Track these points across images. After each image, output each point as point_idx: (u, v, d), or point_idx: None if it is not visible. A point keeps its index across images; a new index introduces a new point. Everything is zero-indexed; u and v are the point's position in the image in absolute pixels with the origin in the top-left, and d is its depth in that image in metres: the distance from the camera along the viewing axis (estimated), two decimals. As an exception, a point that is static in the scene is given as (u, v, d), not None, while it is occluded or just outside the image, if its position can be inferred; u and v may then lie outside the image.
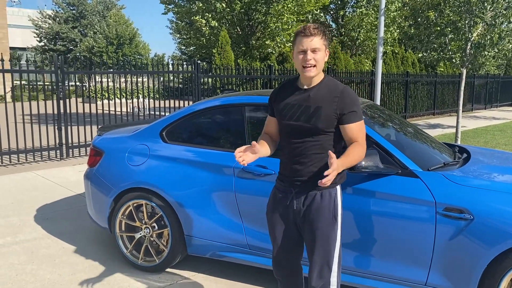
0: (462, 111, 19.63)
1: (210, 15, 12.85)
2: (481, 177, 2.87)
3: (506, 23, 8.45)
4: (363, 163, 2.77)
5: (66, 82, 8.30)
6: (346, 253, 2.97)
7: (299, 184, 2.29)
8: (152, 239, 3.60)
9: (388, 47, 17.17)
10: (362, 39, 18.13)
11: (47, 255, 3.92)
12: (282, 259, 2.44)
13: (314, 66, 2.15)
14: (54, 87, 8.07)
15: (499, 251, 2.55)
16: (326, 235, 2.25)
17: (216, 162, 3.34)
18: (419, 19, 8.48)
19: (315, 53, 2.14)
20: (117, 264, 3.73)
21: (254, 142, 2.14)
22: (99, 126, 4.59)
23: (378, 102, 8.21)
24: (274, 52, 13.68)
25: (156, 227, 3.57)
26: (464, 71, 8.71)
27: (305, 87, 2.25)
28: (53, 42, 38.60)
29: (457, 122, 8.90)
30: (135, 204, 3.62)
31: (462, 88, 8.80)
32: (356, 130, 2.25)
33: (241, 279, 3.46)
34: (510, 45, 8.70)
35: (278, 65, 13.20)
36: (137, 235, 3.64)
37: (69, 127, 8.33)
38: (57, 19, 39.14)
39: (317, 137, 2.22)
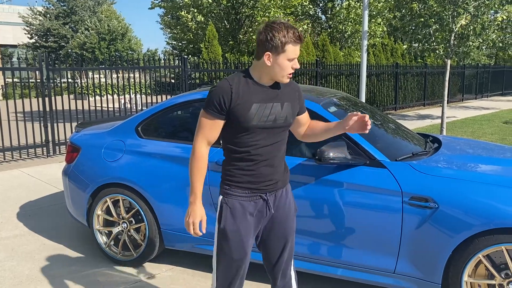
0: (453, 102, 19.77)
1: (196, 10, 12.82)
2: (447, 167, 2.92)
3: (489, 14, 8.49)
4: (331, 154, 2.82)
5: (57, 79, 8.28)
6: (317, 244, 3.01)
7: (271, 187, 2.15)
8: (129, 233, 3.63)
9: (378, 39, 17.19)
10: (350, 32, 18.13)
11: (27, 251, 3.95)
12: (246, 271, 2.24)
13: None
14: (40, 84, 8.05)
15: (463, 238, 2.61)
16: (293, 230, 2.28)
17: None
18: (403, 11, 8.51)
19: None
20: (96, 259, 3.77)
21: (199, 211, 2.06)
22: (78, 123, 4.60)
23: (363, 94, 8.24)
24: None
25: (134, 222, 3.61)
26: (449, 62, 8.75)
27: (267, 84, 2.09)
28: (44, 39, 38.33)
29: (443, 112, 8.97)
30: (112, 199, 3.66)
31: (447, 78, 8.85)
32: (308, 115, 2.37)
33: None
34: (494, 35, 8.76)
35: (267, 58, 13.20)
36: (115, 230, 3.68)
37: (55, 124, 8.32)
38: (48, 15, 38.84)
39: (285, 134, 2.18)
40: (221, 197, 2.14)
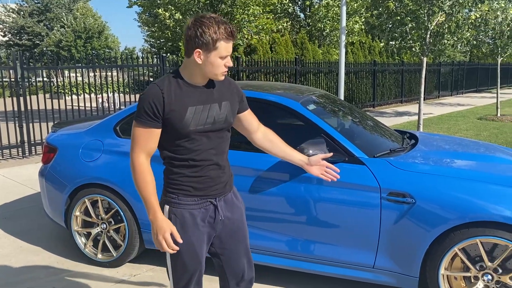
0: (429, 98, 20.13)
1: (173, 8, 12.71)
2: (423, 162, 2.98)
3: (464, 12, 8.67)
4: (310, 151, 2.84)
5: (32, 78, 8.11)
6: (297, 240, 3.04)
7: (220, 191, 2.04)
8: (109, 234, 3.59)
9: (355, 37, 17.37)
10: (329, 29, 18.27)
11: (3, 255, 3.86)
12: (202, 275, 2.15)
13: None
14: (14, 83, 7.87)
15: (439, 232, 2.67)
16: (247, 230, 2.21)
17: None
18: (380, 9, 8.62)
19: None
20: (75, 260, 3.71)
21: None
22: (54, 123, 4.52)
23: (342, 92, 8.31)
24: (241, 43, 13.66)
25: (113, 222, 3.57)
26: (425, 59, 8.92)
27: (201, 84, 1.95)
28: (18, 37, 37.45)
29: (419, 109, 9.13)
30: (90, 200, 3.61)
31: (423, 76, 9.01)
32: (252, 112, 2.23)
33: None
34: (468, 34, 8.95)
35: (246, 56, 13.20)
36: (94, 231, 3.63)
37: (31, 125, 8.15)
38: (22, 12, 37.96)
39: (226, 134, 2.06)
40: (167, 207, 1.98)
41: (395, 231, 2.79)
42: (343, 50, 8.41)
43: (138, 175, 1.90)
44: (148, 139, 1.90)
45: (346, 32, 16.73)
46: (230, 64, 1.92)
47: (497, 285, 2.66)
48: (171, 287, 2.09)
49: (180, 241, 1.93)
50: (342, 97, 8.71)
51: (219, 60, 1.86)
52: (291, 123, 3.37)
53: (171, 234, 1.92)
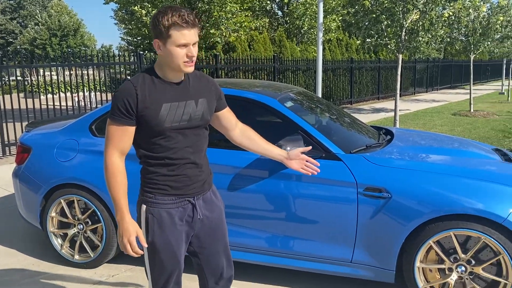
0: (405, 95, 20.46)
1: (150, 5, 12.58)
2: (399, 158, 3.04)
3: (437, 10, 8.84)
4: (288, 148, 2.86)
5: (6, 77, 7.90)
6: (276, 237, 3.05)
7: (199, 189, 2.02)
8: (86, 234, 3.54)
9: (333, 34, 17.52)
10: (307, 27, 18.38)
11: (-23, 258, 3.77)
12: (181, 274, 2.14)
13: (194, 61, 1.88)
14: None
15: (414, 225, 2.73)
16: (226, 228, 2.20)
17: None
18: (356, 7, 8.71)
19: (195, 46, 1.85)
20: (52, 262, 3.65)
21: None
22: (28, 122, 4.42)
23: (319, 89, 8.38)
24: (220, 41, 13.62)
25: (90, 223, 3.52)
26: (401, 56, 9.06)
27: (176, 80, 1.92)
28: (-11, 35, 36.47)
29: (395, 106, 9.27)
30: (66, 201, 3.55)
31: (399, 72, 9.16)
32: (230, 110, 2.21)
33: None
34: (442, 31, 9.13)
35: (224, 54, 13.17)
36: (71, 232, 3.57)
37: (4, 124, 7.96)
38: (-7, 10, 36.96)
39: (204, 132, 2.03)
40: (144, 206, 1.96)
41: (371, 225, 2.83)
42: (321, 47, 8.48)
43: (109, 175, 1.88)
44: (122, 137, 1.87)
45: (324, 29, 16.87)
46: (192, 53, 1.82)
47: (470, 276, 2.73)
48: (150, 287, 2.07)
49: (145, 245, 1.92)
50: (320, 95, 8.78)
51: (176, 49, 1.79)
52: (269, 120, 3.38)
53: (137, 238, 1.90)
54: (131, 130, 1.89)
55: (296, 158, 2.36)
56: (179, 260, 2.02)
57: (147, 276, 2.08)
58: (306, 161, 2.37)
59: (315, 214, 2.94)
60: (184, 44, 1.80)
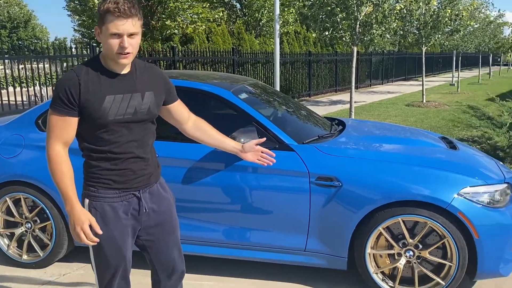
0: (362, 87, 20.94)
1: (103, -5, 12.20)
2: (349, 147, 3.10)
3: (390, 3, 9.06)
4: (242, 140, 2.86)
5: None
6: (231, 229, 3.05)
7: (144, 182, 1.97)
8: (34, 233, 3.41)
9: (290, 27, 17.63)
10: (265, 20, 18.41)
11: None
12: (129, 269, 2.09)
13: (131, 53, 1.79)
14: None
15: (364, 213, 2.80)
16: (176, 221, 2.17)
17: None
18: (311, 0, 8.80)
19: (133, 38, 1.77)
20: (-2, 263, 3.50)
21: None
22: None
23: (277, 82, 8.42)
24: (177, 33, 13.41)
25: (38, 221, 3.39)
26: (355, 49, 9.24)
27: (120, 71, 1.86)
28: None
29: (351, 97, 9.48)
30: (12, 199, 3.40)
31: (354, 65, 9.35)
32: (182, 103, 2.15)
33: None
34: (395, 24, 9.38)
35: (182, 46, 12.98)
36: (18, 231, 3.43)
37: None
38: None
39: (150, 126, 1.98)
40: (87, 200, 1.90)
41: (324, 214, 2.88)
42: (278, 40, 8.52)
43: (54, 166, 1.81)
44: (64, 127, 1.80)
45: (281, 22, 16.96)
46: (125, 44, 1.74)
47: (418, 260, 2.84)
48: (96, 284, 2.02)
49: (100, 232, 1.86)
50: (278, 87, 8.83)
51: (109, 38, 1.73)
52: (225, 113, 3.36)
53: (90, 226, 1.84)
54: (73, 121, 1.81)
55: (251, 150, 2.36)
56: (125, 255, 1.97)
57: (94, 273, 2.03)
58: (262, 152, 2.37)
59: (269, 204, 2.96)
60: (116, 34, 1.73)
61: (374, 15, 8.47)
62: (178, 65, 11.70)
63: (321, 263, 2.98)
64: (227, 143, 2.33)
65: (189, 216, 3.09)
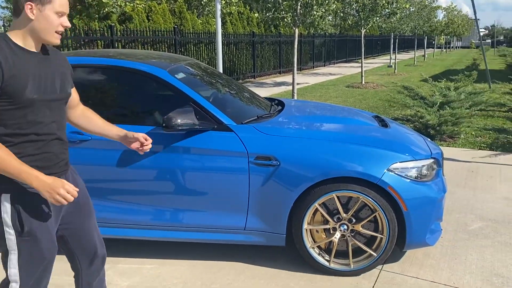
0: (305, 69, 21.28)
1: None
2: (287, 127, 3.15)
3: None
4: (179, 120, 2.82)
5: None
6: (171, 211, 3.03)
7: (64, 167, 1.91)
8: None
9: (233, 7, 17.46)
10: (208, -1, 18.10)
11: None
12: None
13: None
14: None
15: (301, 190, 2.87)
16: (92, 205, 2.13)
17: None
18: (253, -21, 8.75)
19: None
20: None
21: None
22: None
23: (220, 63, 8.32)
24: (115, 11, 12.86)
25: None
26: (297, 30, 9.33)
27: (36, 50, 1.80)
28: None
29: (293, 79, 9.60)
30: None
31: (295, 46, 9.46)
32: (75, 89, 2.10)
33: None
34: (334, 6, 9.56)
35: (120, 25, 12.48)
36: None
37: None
38: None
39: (65, 106, 1.95)
40: (7, 195, 1.74)
41: (263, 192, 2.93)
42: (219, 20, 8.38)
43: None
44: None
45: (224, 2, 16.74)
46: (67, 24, 1.78)
47: (352, 234, 2.97)
48: (18, 285, 1.83)
49: (77, 189, 1.76)
50: (221, 69, 8.76)
51: (54, 16, 1.73)
52: (163, 93, 3.29)
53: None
54: None
55: (133, 140, 2.15)
56: (55, 242, 1.89)
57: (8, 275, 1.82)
58: (146, 139, 2.17)
59: (209, 185, 2.96)
60: (61, 13, 1.75)
61: (315, -3, 8.57)
62: (116, 45, 11.27)
63: (260, 240, 3.03)
64: (111, 131, 2.17)
65: (128, 199, 3.03)
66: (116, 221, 3.08)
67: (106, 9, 12.42)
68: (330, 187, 2.86)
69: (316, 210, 2.94)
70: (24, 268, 1.81)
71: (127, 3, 13.31)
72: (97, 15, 12.31)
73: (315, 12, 8.86)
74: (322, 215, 2.96)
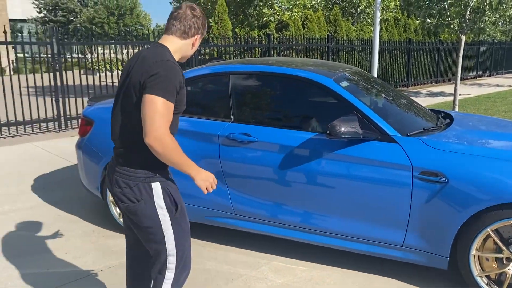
0: (466, 79, 19.47)
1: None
2: (458, 142, 2.92)
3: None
4: (343, 129, 2.82)
5: (67, 54, 8.27)
6: (328, 217, 3.05)
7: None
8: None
9: (390, 13, 16.86)
10: (364, 6, 17.79)
11: (43, 222, 4.05)
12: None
13: None
14: (51, 59, 8.08)
15: (472, 212, 2.63)
16: None
17: (203, 131, 3.40)
18: (417, -16, 8.33)
19: None
20: (109, 229, 3.86)
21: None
22: (90, 97, 4.63)
23: (375, 70, 8.14)
24: (273, 20, 13.49)
25: None
26: (463, 38, 8.59)
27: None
28: (53, 13, 38.18)
29: (455, 89, 8.85)
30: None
31: (461, 55, 8.70)
32: None
33: (231, 243, 3.58)
34: (511, 11, 8.55)
35: (277, 33, 13.05)
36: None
37: (67, 99, 8.39)
38: (57, -11, 38.55)
39: None
40: (157, 183, 2.00)
41: (426, 210, 2.76)
42: (378, 27, 8.20)
43: (176, 148, 1.91)
44: (170, 114, 1.95)
45: (381, 8, 16.27)
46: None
47: (531, 268, 2.61)
48: (174, 259, 2.07)
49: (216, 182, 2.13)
50: (375, 76, 8.55)
51: (197, 46, 2.18)
52: (324, 100, 3.34)
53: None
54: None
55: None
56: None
57: (166, 251, 2.05)
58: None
59: (368, 196, 2.91)
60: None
61: (488, 1, 7.78)
62: (272, 52, 11.81)
63: (419, 259, 2.87)
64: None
65: (284, 200, 3.15)
66: (272, 219, 3.22)
67: (265, 18, 13.10)
68: (507, 213, 2.56)
69: (488, 236, 2.66)
70: (178, 241, 2.08)
71: (284, 11, 13.85)
72: (257, 24, 13.07)
73: (487, 18, 8.04)
74: (495, 243, 2.66)
